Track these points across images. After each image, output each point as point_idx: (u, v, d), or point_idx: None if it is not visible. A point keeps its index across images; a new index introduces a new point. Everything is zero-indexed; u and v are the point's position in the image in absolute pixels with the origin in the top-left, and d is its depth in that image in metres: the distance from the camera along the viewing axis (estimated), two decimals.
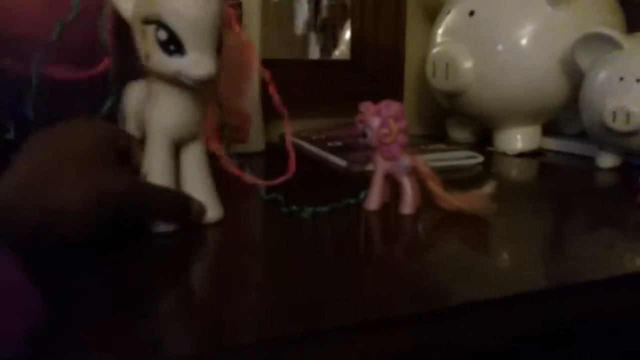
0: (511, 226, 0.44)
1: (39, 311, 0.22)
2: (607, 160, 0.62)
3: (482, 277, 0.33)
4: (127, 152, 0.37)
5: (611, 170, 0.62)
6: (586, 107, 0.62)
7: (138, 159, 0.38)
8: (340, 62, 0.86)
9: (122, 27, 0.37)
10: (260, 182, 0.45)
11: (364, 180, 0.46)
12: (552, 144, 0.72)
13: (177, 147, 0.38)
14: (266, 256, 0.37)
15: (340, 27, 0.89)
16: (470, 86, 0.68)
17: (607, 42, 0.59)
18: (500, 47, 0.66)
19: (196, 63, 0.34)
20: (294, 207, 0.43)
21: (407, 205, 0.43)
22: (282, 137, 0.75)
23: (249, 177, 0.43)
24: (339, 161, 0.61)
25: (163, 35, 0.34)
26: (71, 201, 0.30)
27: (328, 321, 0.27)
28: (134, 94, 0.39)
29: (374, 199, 0.45)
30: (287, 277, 0.32)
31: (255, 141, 0.66)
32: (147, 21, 0.35)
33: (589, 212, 0.49)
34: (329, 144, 0.68)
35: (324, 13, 0.88)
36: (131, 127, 0.40)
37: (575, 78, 0.65)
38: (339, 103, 0.81)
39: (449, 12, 0.72)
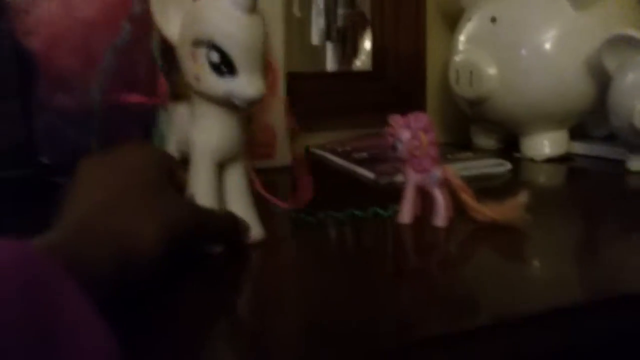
0: (545, 235, 0.43)
1: (114, 352, 0.21)
2: (638, 163, 0.61)
3: (518, 291, 0.33)
4: (172, 174, 0.37)
5: None
6: (615, 109, 0.61)
7: (180, 181, 0.38)
8: (362, 73, 0.86)
9: (168, 51, 0.37)
10: (285, 205, 0.44)
11: (393, 192, 0.46)
12: (580, 148, 0.71)
13: (220, 167, 0.39)
14: (301, 275, 0.37)
15: (357, 36, 0.89)
16: (495, 92, 0.68)
17: (634, 44, 0.59)
18: (524, 52, 0.66)
19: (248, 84, 0.35)
20: (322, 215, 0.43)
21: (440, 218, 0.43)
22: (307, 150, 0.76)
23: (277, 200, 0.43)
24: (367, 173, 0.61)
25: (215, 57, 0.34)
26: (144, 236, 0.29)
27: (362, 343, 0.27)
28: (178, 116, 0.40)
29: (406, 212, 0.45)
30: (321, 296, 0.32)
31: (281, 155, 0.66)
32: (197, 43, 0.35)
33: (623, 217, 0.48)
34: (355, 156, 0.68)
35: (340, 22, 0.89)
36: (172, 148, 0.40)
37: (602, 80, 0.64)
38: (362, 114, 0.82)
39: (470, 19, 0.72)
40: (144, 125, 0.41)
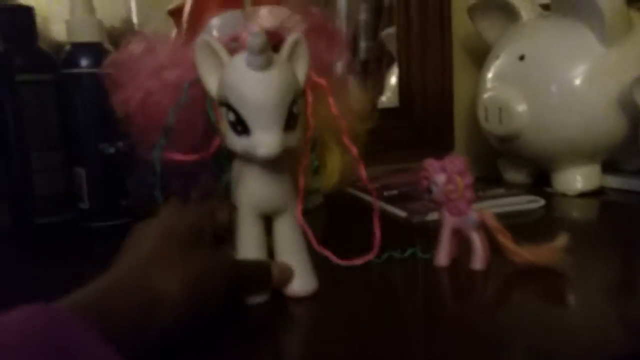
0: (586, 277, 0.43)
1: None
2: None
3: (557, 334, 0.32)
4: (230, 223, 0.39)
5: None
6: None
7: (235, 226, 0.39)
8: (389, 110, 0.87)
9: None
10: (337, 260, 0.44)
11: (426, 230, 0.46)
12: (613, 181, 0.71)
13: (269, 219, 0.40)
14: (340, 322, 0.37)
15: (380, 71, 0.89)
16: (525, 129, 0.68)
17: None
18: (553, 88, 0.66)
19: (259, 142, 0.35)
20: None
21: (479, 261, 0.43)
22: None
23: (330, 254, 0.44)
24: (399, 212, 0.62)
25: (231, 116, 0.36)
26: (169, 294, 0.30)
27: None
28: (233, 170, 0.40)
29: (443, 255, 0.45)
30: (360, 343, 0.33)
31: (314, 196, 0.67)
32: (220, 103, 0.37)
33: None
34: (385, 194, 0.69)
35: (362, 55, 0.90)
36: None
37: (633, 116, 0.64)
38: (389, 150, 0.82)
39: (497, 57, 0.73)
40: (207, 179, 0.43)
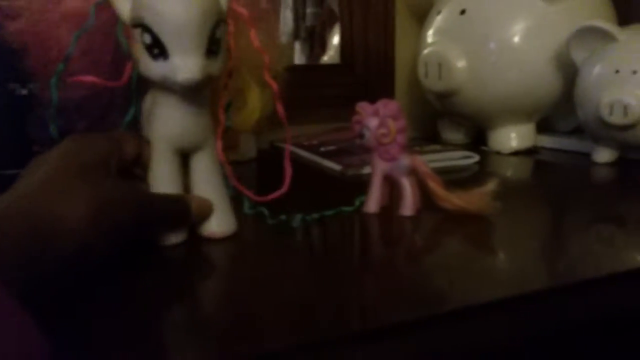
0: (511, 225, 0.43)
1: (41, 353, 0.19)
2: (603, 155, 0.62)
3: (485, 278, 0.33)
4: (138, 158, 0.35)
5: (608, 164, 0.61)
6: (582, 101, 0.61)
7: (147, 158, 0.36)
8: (330, 67, 0.85)
9: None
10: (256, 198, 0.42)
11: (360, 185, 0.45)
12: (546, 141, 0.72)
13: (185, 156, 0.37)
14: (261, 268, 0.35)
15: (326, 34, 0.88)
16: (464, 86, 0.67)
17: (601, 36, 0.59)
18: (492, 45, 0.66)
19: (179, 67, 0.32)
20: (283, 217, 0.41)
21: (408, 207, 0.42)
22: (272, 144, 0.74)
23: (250, 193, 0.42)
24: (333, 165, 0.60)
25: (147, 38, 0.32)
26: (69, 219, 0.27)
27: (326, 331, 0.26)
28: (146, 102, 0.37)
29: (373, 202, 0.44)
30: (283, 288, 0.31)
31: (247, 148, 0.65)
32: (134, 24, 0.33)
33: (588, 208, 0.48)
34: (322, 149, 0.67)
35: (308, 21, 0.88)
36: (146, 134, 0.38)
37: (569, 74, 0.64)
38: (330, 108, 0.80)
39: (439, 12, 0.72)
40: (116, 112, 0.39)
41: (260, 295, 0.30)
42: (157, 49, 0.32)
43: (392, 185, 0.44)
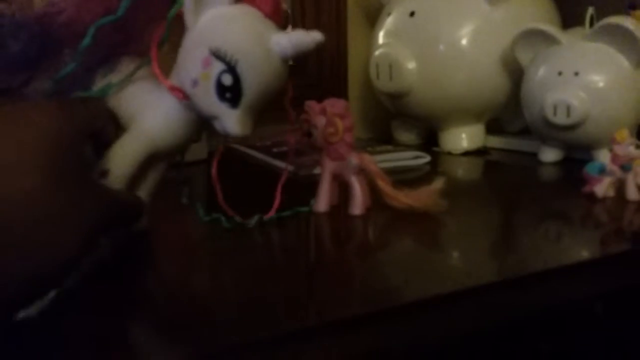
0: (461, 223, 0.43)
1: None
2: (550, 155, 0.63)
3: (434, 274, 0.33)
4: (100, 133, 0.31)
5: (554, 164, 0.63)
6: (528, 102, 0.63)
7: (111, 139, 0.32)
8: None
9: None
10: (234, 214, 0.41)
11: (315, 185, 0.45)
12: (496, 141, 0.73)
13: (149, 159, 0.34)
14: (215, 267, 0.35)
15: None
16: (414, 87, 0.68)
17: (544, 38, 0.60)
18: (441, 47, 0.67)
19: (240, 122, 0.32)
20: (239, 220, 0.41)
21: (357, 206, 0.42)
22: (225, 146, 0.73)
23: (231, 211, 0.40)
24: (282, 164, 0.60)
25: (228, 80, 0.31)
26: (64, 248, 0.24)
27: (277, 327, 0.26)
28: (133, 94, 0.34)
29: (322, 201, 0.43)
30: (238, 285, 0.31)
31: (198, 149, 0.64)
32: (217, 55, 0.31)
33: (535, 206, 0.49)
34: (275, 150, 0.67)
35: None
36: (112, 104, 0.34)
37: (516, 75, 0.65)
38: (283, 109, 0.80)
39: (389, 13, 0.72)
40: None
41: (216, 293, 0.30)
42: (230, 95, 0.31)
43: (341, 185, 0.44)
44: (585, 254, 0.37)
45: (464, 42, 0.66)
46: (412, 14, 0.69)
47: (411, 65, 0.67)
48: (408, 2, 0.70)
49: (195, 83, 0.32)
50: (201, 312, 0.28)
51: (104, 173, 0.31)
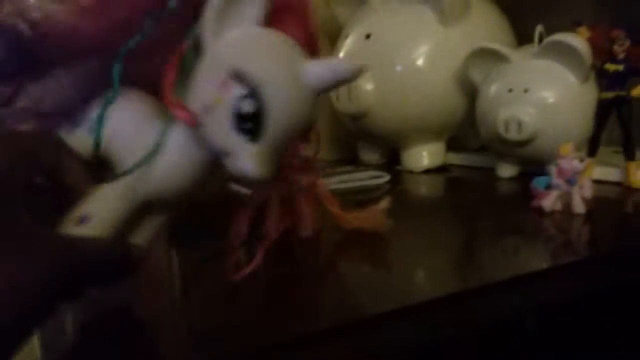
0: (415, 240, 0.44)
1: None
2: (506, 170, 0.64)
3: (381, 292, 0.33)
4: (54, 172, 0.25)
5: (511, 179, 0.64)
6: (482, 119, 0.64)
7: (73, 180, 0.26)
8: None
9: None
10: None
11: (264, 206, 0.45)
12: (456, 158, 0.74)
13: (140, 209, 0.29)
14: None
15: None
16: (374, 108, 0.69)
17: (495, 57, 0.62)
18: (398, 68, 0.68)
19: (259, 160, 0.26)
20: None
21: (304, 228, 0.43)
22: None
23: None
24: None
25: (248, 106, 0.25)
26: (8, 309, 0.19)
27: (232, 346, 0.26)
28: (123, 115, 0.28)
29: (273, 225, 0.44)
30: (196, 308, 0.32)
31: None
32: (236, 77, 0.26)
33: (492, 220, 0.50)
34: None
35: None
36: (84, 137, 0.27)
37: (472, 93, 0.67)
38: None
39: (347, 36, 0.74)
40: None
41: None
42: (250, 125, 0.26)
43: (291, 208, 0.44)
44: (531, 266, 0.38)
45: (419, 62, 0.67)
46: (368, 36, 0.70)
47: (369, 86, 0.68)
48: (364, 24, 0.72)
49: (207, 109, 0.26)
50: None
51: (84, 219, 0.26)
